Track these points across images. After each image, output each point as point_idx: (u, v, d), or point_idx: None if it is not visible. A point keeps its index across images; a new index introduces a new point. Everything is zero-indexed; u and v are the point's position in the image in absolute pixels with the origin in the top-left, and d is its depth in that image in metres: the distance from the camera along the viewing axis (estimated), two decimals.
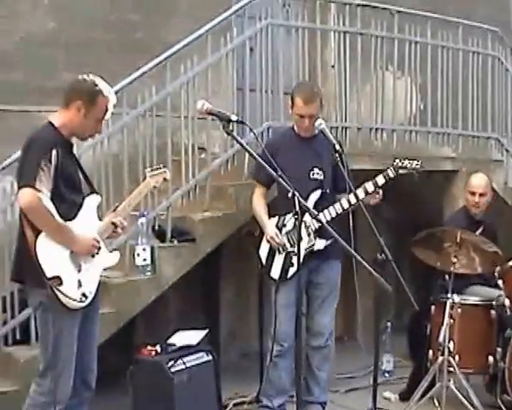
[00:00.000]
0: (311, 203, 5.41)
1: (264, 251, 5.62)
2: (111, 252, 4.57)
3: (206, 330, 5.68)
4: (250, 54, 6.73)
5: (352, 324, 8.11)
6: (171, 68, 6.13)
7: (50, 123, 4.30)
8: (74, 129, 4.33)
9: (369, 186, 5.45)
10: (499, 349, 5.85)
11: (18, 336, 5.61)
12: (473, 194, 6.36)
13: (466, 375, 5.80)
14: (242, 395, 6.14)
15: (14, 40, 6.80)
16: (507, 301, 5.83)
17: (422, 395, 5.74)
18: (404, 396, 6.16)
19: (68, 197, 4.21)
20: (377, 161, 6.98)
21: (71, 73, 6.54)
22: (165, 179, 4.78)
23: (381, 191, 5.49)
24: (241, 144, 4.39)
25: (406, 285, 4.64)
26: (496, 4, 9.73)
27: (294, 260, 5.35)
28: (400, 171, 5.47)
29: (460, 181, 7.53)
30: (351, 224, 5.21)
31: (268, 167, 4.38)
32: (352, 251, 4.49)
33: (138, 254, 5.77)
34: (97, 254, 4.32)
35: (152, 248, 5.85)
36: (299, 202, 4.21)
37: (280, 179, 4.32)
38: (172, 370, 5.24)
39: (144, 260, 5.77)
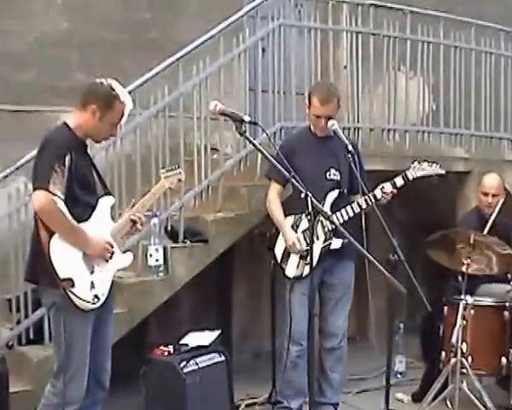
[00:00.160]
0: (328, 204, 5.43)
1: (279, 249, 5.61)
2: (124, 253, 4.58)
3: (219, 331, 5.68)
4: (262, 54, 6.73)
5: (364, 324, 8.10)
6: (184, 69, 6.14)
7: (65, 124, 4.31)
8: (89, 131, 4.34)
9: (387, 187, 5.45)
10: None
11: (31, 336, 5.63)
12: (486, 194, 6.35)
13: (479, 376, 5.78)
14: (254, 397, 6.15)
15: (27, 40, 6.82)
16: None
17: (435, 397, 5.73)
18: (417, 398, 6.15)
19: (82, 199, 4.22)
20: (389, 161, 6.99)
21: (84, 73, 6.64)
22: (179, 180, 4.79)
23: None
24: (255, 145, 4.39)
25: (419, 286, 4.63)
26: (508, 4, 9.68)
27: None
28: (419, 173, 5.47)
29: (473, 182, 7.50)
30: (363, 224, 5.21)
31: (281, 168, 4.39)
32: (366, 252, 4.48)
33: (151, 255, 5.78)
34: (111, 258, 4.33)
35: (164, 249, 5.85)
36: (312, 202, 4.21)
37: (293, 180, 4.32)
38: (185, 370, 5.24)
39: (157, 260, 5.78)
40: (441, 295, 6.11)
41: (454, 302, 5.83)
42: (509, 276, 5.97)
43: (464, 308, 5.71)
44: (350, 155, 5.23)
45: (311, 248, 4.51)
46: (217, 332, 5.65)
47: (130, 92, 5.33)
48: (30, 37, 6.85)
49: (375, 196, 5.37)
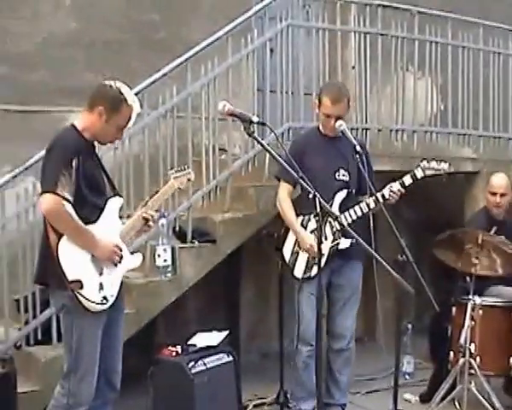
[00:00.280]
0: (336, 204, 5.43)
1: (287, 250, 5.61)
2: (133, 254, 4.57)
3: (227, 332, 5.68)
4: (270, 55, 6.74)
5: (372, 324, 8.09)
6: (192, 69, 6.14)
7: (73, 126, 4.31)
8: (96, 133, 4.33)
9: (396, 186, 5.44)
10: None
11: (39, 336, 5.64)
12: (494, 194, 6.33)
13: (487, 377, 5.77)
14: (262, 397, 6.15)
15: (35, 41, 6.84)
16: None
17: (443, 398, 5.72)
18: (425, 398, 6.14)
19: (90, 200, 4.22)
20: (397, 162, 6.98)
21: (92, 74, 6.64)
22: (189, 180, 4.78)
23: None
24: (263, 146, 4.38)
25: (427, 286, 4.63)
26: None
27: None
28: (427, 172, 5.45)
29: (481, 182, 7.50)
30: (371, 224, 5.20)
31: (289, 169, 4.38)
32: (374, 252, 4.47)
33: (159, 255, 5.78)
34: (120, 263, 4.33)
35: (172, 249, 5.86)
36: (320, 203, 4.20)
37: (301, 181, 4.32)
38: (193, 371, 5.24)
39: (165, 260, 5.78)
40: (449, 296, 6.10)
41: (462, 303, 5.82)
42: None
43: (472, 309, 5.70)
44: (358, 156, 5.22)
45: (319, 249, 4.50)
46: (225, 333, 5.65)
47: (138, 92, 5.39)
48: (38, 37, 6.86)
49: (383, 196, 5.36)
